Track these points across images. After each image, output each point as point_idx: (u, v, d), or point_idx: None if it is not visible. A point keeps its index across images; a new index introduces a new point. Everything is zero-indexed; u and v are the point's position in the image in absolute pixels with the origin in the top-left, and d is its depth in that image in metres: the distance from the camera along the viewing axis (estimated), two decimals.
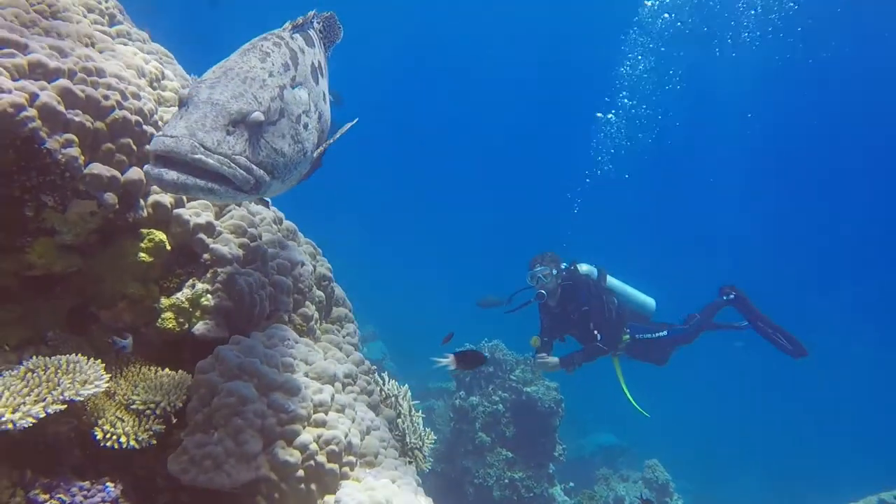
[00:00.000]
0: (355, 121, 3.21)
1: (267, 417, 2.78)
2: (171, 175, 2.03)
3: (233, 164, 2.12)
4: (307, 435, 2.80)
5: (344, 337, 3.95)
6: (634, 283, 7.93)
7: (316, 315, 3.64)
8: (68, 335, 2.94)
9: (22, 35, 2.68)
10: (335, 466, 2.83)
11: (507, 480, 9.74)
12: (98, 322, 3.04)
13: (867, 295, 29.07)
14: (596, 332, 7.15)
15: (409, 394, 4.17)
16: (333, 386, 3.14)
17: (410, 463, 3.74)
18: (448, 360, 4.41)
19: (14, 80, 2.54)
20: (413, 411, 4.12)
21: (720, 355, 21.27)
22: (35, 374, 2.51)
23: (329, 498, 2.75)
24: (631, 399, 7.62)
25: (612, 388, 16.75)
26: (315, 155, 2.95)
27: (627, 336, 7.34)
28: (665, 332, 7.48)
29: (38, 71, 2.63)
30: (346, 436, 2.90)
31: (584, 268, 7.41)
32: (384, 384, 3.98)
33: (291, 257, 3.52)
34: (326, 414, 2.92)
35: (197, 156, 2.03)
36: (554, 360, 7.18)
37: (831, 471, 12.80)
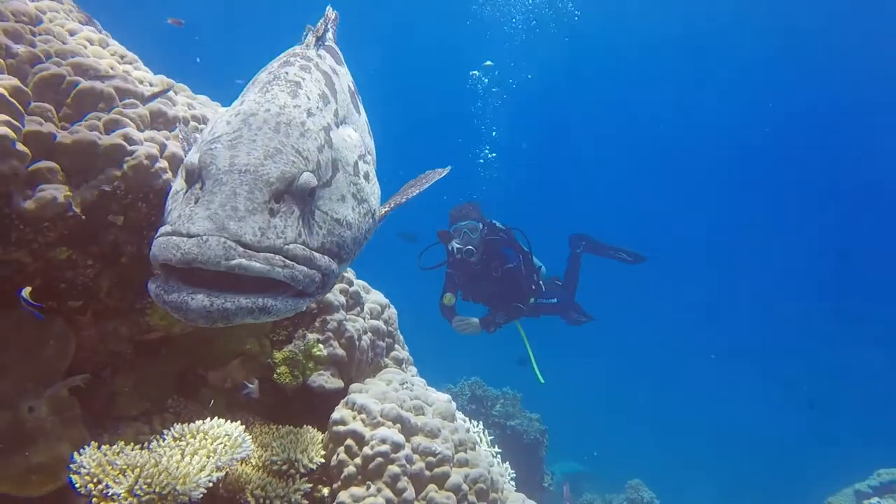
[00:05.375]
0: (448, 169, 2.61)
1: (415, 462, 2.68)
2: (201, 302, 1.40)
3: (287, 262, 1.50)
4: (457, 476, 2.71)
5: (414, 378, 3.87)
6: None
7: (409, 357, 3.56)
8: (186, 401, 2.74)
9: (136, 85, 2.54)
10: None
11: None
12: (207, 384, 2.86)
13: (828, 293, 29.26)
14: (557, 294, 7.27)
15: (484, 430, 4.12)
16: (455, 424, 3.07)
17: None
18: None
19: (140, 130, 2.40)
20: (490, 447, 4.07)
21: (666, 377, 22.06)
22: (185, 442, 2.32)
23: None
24: (534, 363, 7.78)
25: (575, 415, 16.85)
26: (382, 214, 2.26)
27: (533, 299, 7.35)
28: (556, 300, 7.72)
29: (159, 120, 2.50)
30: (489, 472, 2.84)
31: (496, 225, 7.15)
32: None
33: (379, 300, 3.44)
34: (466, 452, 2.85)
35: (235, 261, 1.39)
36: (474, 321, 7.02)
37: (789, 478, 13.41)
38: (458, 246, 6.61)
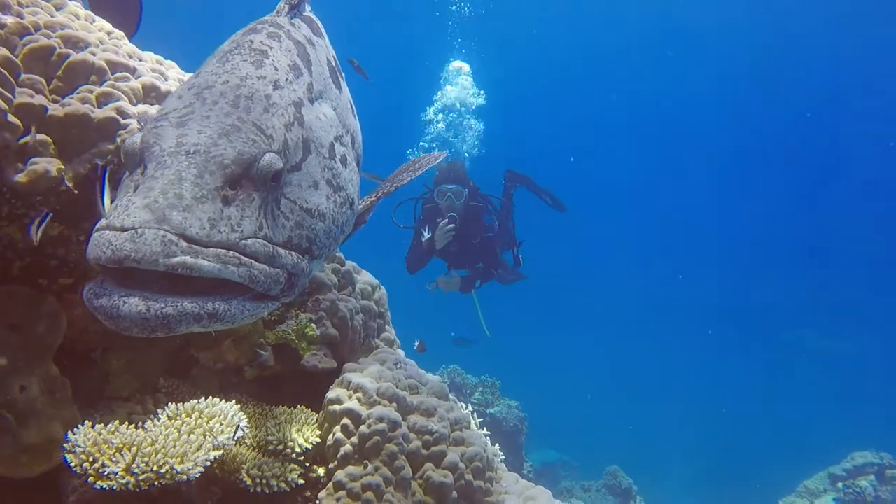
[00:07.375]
0: (445, 153, 2.62)
1: (412, 441, 2.68)
2: (135, 307, 1.16)
3: (244, 259, 1.28)
4: (454, 454, 2.72)
5: None
6: None
7: (396, 339, 3.56)
8: (178, 381, 2.71)
9: (127, 59, 2.49)
10: (481, 483, 2.77)
11: None
12: (198, 364, 2.82)
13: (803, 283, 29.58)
14: (517, 257, 7.36)
15: (473, 413, 4.14)
16: (450, 403, 3.07)
17: None
18: None
19: (133, 104, 2.35)
20: (479, 428, 4.09)
21: (644, 365, 22.31)
22: (181, 421, 2.30)
23: None
24: (482, 321, 8.25)
25: (553, 403, 16.88)
26: (364, 207, 2.11)
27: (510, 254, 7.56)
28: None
29: (152, 94, 2.45)
30: (485, 451, 2.85)
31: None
32: None
33: (370, 281, 3.43)
34: (462, 431, 2.86)
35: (177, 259, 1.17)
36: (457, 279, 7.26)
37: (766, 463, 13.64)
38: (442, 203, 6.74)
